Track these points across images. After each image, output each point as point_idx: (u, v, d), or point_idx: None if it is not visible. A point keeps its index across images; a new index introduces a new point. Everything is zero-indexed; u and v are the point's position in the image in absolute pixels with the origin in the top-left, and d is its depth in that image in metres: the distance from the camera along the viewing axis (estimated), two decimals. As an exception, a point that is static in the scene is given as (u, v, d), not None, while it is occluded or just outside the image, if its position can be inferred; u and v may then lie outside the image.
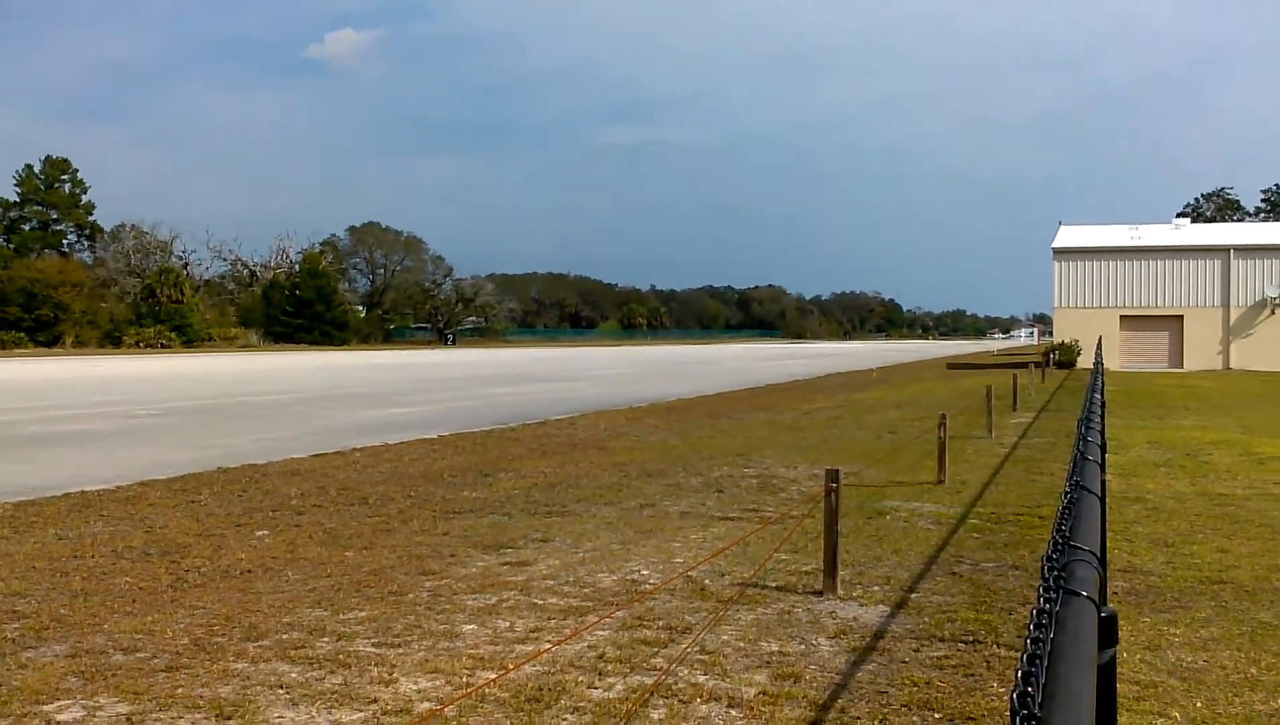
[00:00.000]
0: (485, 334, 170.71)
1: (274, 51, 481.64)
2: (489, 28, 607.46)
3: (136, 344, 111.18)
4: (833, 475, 9.44)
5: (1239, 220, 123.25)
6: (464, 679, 7.16)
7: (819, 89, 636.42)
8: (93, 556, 11.06)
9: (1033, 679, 2.02)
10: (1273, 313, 60.92)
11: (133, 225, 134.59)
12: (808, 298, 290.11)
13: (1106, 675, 3.06)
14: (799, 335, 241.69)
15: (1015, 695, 1.94)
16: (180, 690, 6.99)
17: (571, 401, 35.01)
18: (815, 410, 30.99)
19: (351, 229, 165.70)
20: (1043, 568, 2.80)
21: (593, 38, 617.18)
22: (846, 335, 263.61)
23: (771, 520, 12.84)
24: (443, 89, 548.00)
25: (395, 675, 7.24)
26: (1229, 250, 61.93)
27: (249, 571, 10.41)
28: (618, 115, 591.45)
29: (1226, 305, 61.61)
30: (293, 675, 7.27)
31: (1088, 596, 2.63)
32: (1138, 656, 7.59)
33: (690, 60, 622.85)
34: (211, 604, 9.19)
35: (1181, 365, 61.46)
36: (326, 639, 8.09)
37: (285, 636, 8.17)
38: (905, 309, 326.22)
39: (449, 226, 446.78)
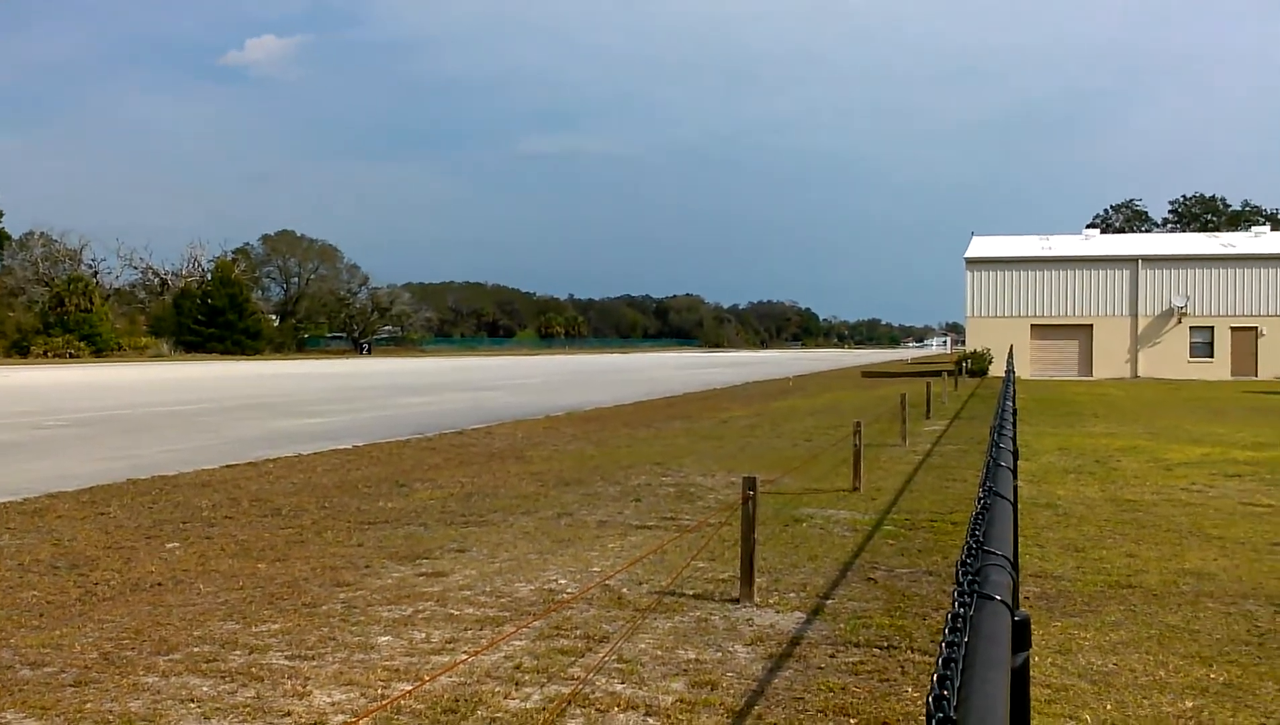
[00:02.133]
0: (401, 343, 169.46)
1: (192, 57, 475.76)
2: (411, 35, 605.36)
3: (45, 354, 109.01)
4: (750, 483, 9.47)
5: (1147, 231, 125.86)
6: (379, 691, 7.08)
7: (741, 98, 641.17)
8: (-3, 570, 10.82)
9: (948, 682, 2.03)
10: (1179, 322, 62.27)
11: (41, 233, 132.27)
12: (725, 307, 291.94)
13: (1020, 678, 3.09)
14: (716, 344, 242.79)
15: (931, 698, 1.94)
16: (89, 705, 6.85)
17: (488, 411, 34.85)
18: (732, 419, 31.11)
19: (265, 237, 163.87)
20: (957, 572, 2.82)
21: (517, 45, 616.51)
22: (763, 344, 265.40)
23: (689, 529, 12.86)
24: (364, 97, 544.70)
25: (309, 688, 7.15)
26: (1137, 260, 63.25)
27: (159, 584, 10.23)
28: (540, 124, 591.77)
29: (1135, 314, 62.91)
30: (204, 689, 7.15)
31: (1001, 600, 2.65)
32: (1049, 660, 7.69)
33: (615, 66, 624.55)
34: (121, 617, 9.01)
35: (1091, 373, 62.61)
36: (239, 652, 7.97)
37: (196, 650, 8.04)
38: (821, 318, 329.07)
39: (366, 235, 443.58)
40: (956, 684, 2.04)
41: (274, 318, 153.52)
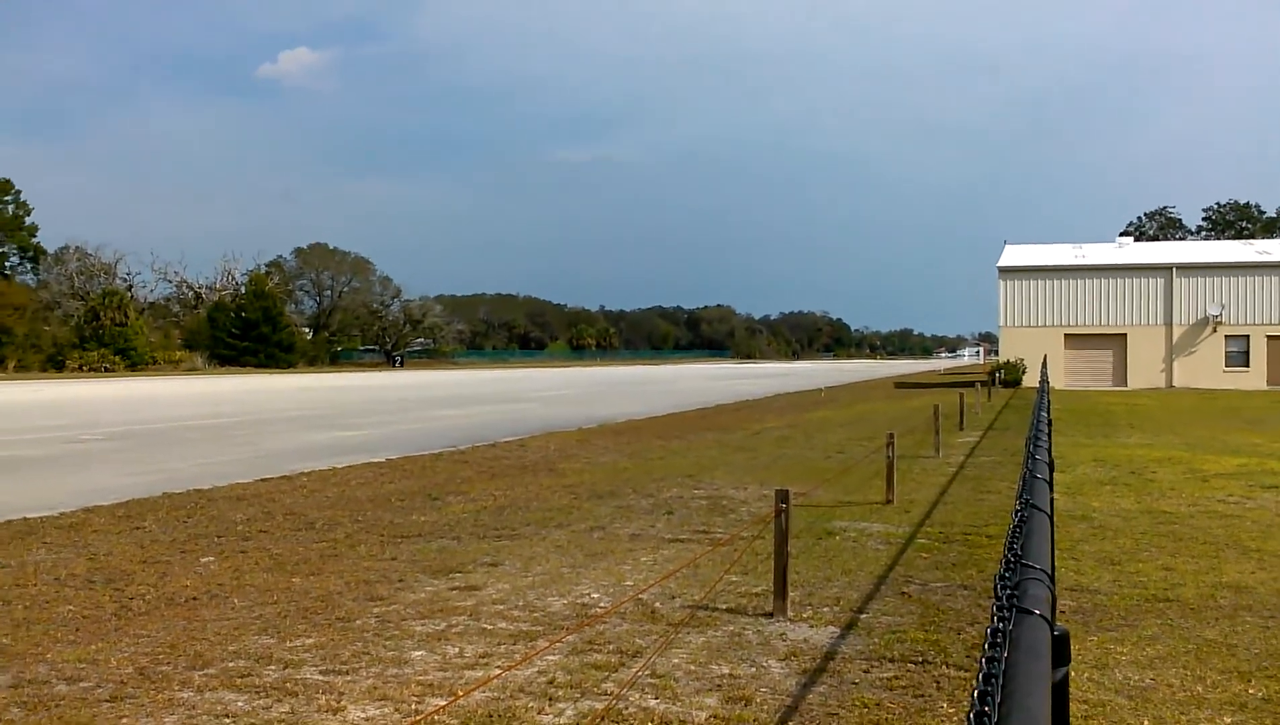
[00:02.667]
0: (433, 356, 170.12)
1: (225, 70, 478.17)
2: (440, 47, 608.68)
3: (80, 368, 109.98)
4: (782, 496, 9.44)
5: (1181, 239, 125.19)
6: (413, 706, 7.08)
7: (764, 103, 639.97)
8: (35, 585, 10.88)
9: (989, 698, 2.01)
10: (1214, 331, 61.79)
11: (76, 247, 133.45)
12: (756, 318, 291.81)
13: (1060, 693, 3.06)
14: (748, 355, 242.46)
15: (973, 714, 1.92)
16: (125, 720, 6.87)
17: (521, 423, 34.89)
18: (764, 430, 31.05)
19: (298, 250, 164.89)
20: (996, 586, 2.79)
21: (542, 57, 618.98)
22: (795, 355, 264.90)
23: (722, 542, 12.83)
24: (393, 108, 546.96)
25: (343, 703, 7.15)
26: (1171, 269, 62.80)
27: (194, 599, 10.27)
28: (566, 135, 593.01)
29: (1169, 323, 62.45)
30: (239, 704, 7.17)
31: (1041, 615, 2.62)
32: (1086, 675, 7.62)
33: (637, 74, 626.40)
34: (156, 632, 9.05)
35: (1125, 383, 62.19)
36: (273, 667, 7.99)
37: (231, 665, 8.06)
38: (853, 328, 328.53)
39: (397, 247, 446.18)
40: (997, 699, 2.02)
41: (307, 331, 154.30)
